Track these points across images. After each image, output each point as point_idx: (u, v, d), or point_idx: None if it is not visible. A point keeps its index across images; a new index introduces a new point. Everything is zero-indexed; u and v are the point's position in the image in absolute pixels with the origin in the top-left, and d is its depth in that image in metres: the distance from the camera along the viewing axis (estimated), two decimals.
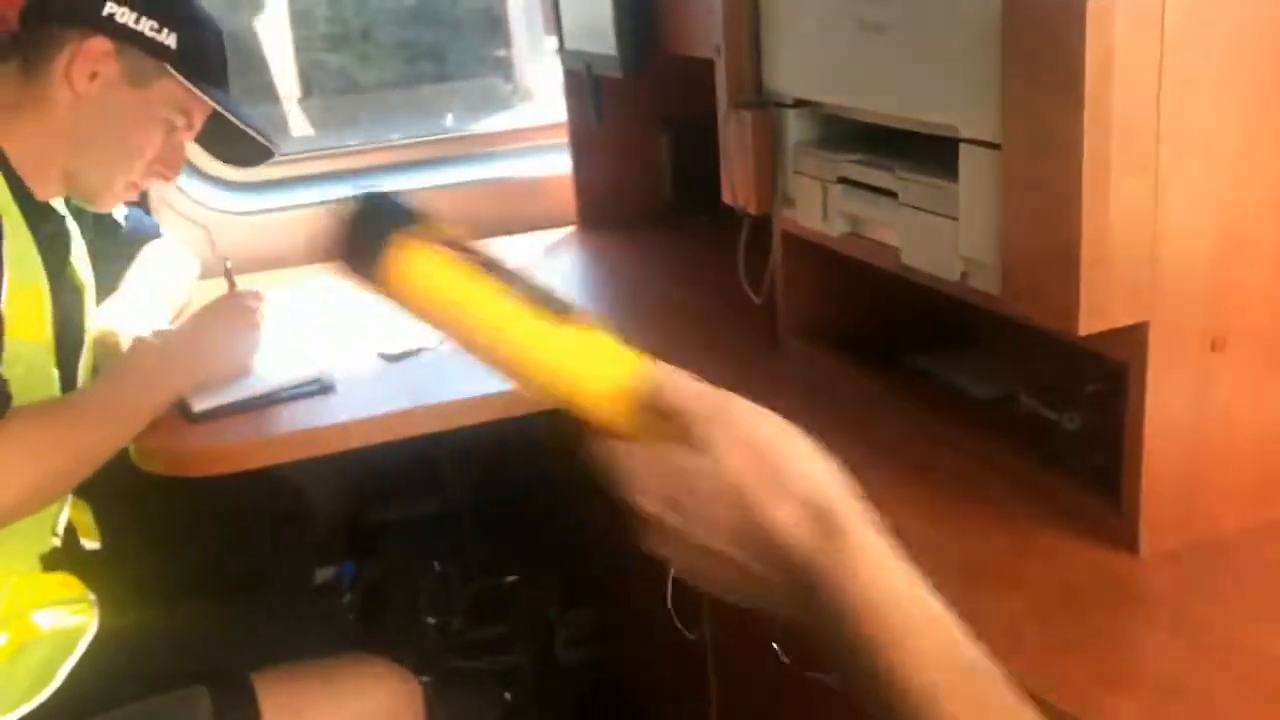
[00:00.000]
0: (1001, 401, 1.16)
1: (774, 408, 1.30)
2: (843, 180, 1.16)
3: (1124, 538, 0.91)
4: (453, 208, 2.09)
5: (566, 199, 2.09)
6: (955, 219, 0.98)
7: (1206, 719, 0.74)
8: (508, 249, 1.95)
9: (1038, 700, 0.75)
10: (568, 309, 0.61)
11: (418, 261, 0.61)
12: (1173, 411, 0.87)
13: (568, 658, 1.97)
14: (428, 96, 2.79)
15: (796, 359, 1.38)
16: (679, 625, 1.36)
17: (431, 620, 1.97)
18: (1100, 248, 0.82)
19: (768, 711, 1.24)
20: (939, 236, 1.00)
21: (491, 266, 0.62)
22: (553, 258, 1.97)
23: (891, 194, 1.07)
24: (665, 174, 2.08)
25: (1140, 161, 0.82)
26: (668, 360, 0.62)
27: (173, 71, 1.27)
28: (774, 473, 0.57)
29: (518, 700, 1.91)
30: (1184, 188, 0.83)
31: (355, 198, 0.64)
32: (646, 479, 0.58)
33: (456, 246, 0.62)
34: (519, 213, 2.10)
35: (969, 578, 0.90)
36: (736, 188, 1.33)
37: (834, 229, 1.19)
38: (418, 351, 1.50)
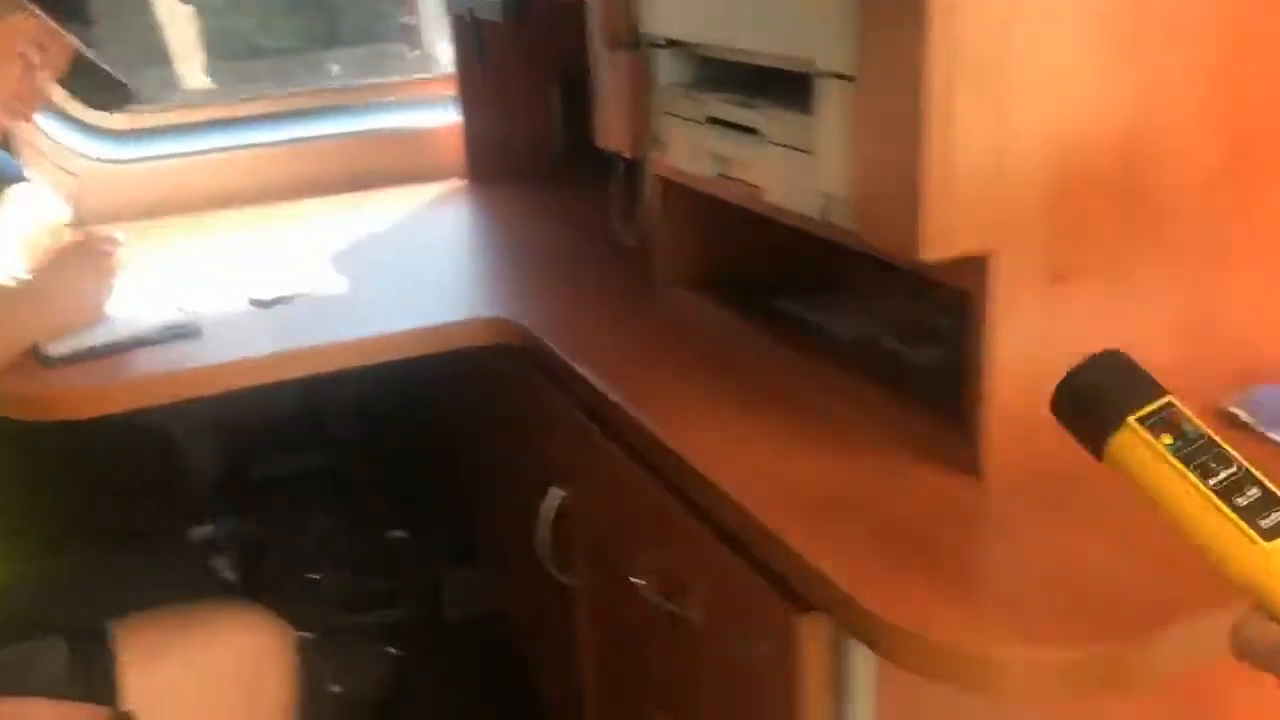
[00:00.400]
0: (866, 341, 1.18)
1: (649, 352, 1.33)
2: (710, 120, 1.16)
3: (969, 467, 0.93)
4: (339, 159, 2.07)
5: (456, 151, 2.07)
6: (814, 154, 0.98)
7: (1030, 624, 0.76)
8: (396, 203, 1.95)
9: (872, 614, 0.77)
10: (1276, 523, 0.60)
11: (1136, 443, 0.63)
12: (1015, 342, 0.89)
13: (456, 614, 1.96)
14: (329, 61, 2.74)
15: (672, 304, 1.38)
16: (553, 570, 1.37)
17: (315, 576, 1.94)
18: (944, 177, 0.83)
19: (635, 650, 1.24)
20: (799, 173, 1.01)
21: (1201, 454, 0.62)
22: (439, 211, 1.95)
23: (756, 132, 1.08)
24: (556, 125, 2.06)
25: (986, 92, 0.83)
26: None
27: (29, 5, 1.23)
28: None
29: (406, 656, 1.90)
30: (1029, 119, 0.85)
31: (1088, 362, 0.67)
32: None
33: (1171, 424, 0.63)
34: (406, 165, 2.07)
35: (820, 505, 0.91)
36: (610, 131, 1.32)
37: (703, 170, 1.19)
38: (291, 298, 1.47)
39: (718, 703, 1.07)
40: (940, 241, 0.84)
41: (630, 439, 1.12)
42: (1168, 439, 0.62)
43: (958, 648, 0.74)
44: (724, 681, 1.03)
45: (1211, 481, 0.61)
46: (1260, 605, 0.60)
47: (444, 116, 2.11)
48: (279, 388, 1.33)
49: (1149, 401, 0.64)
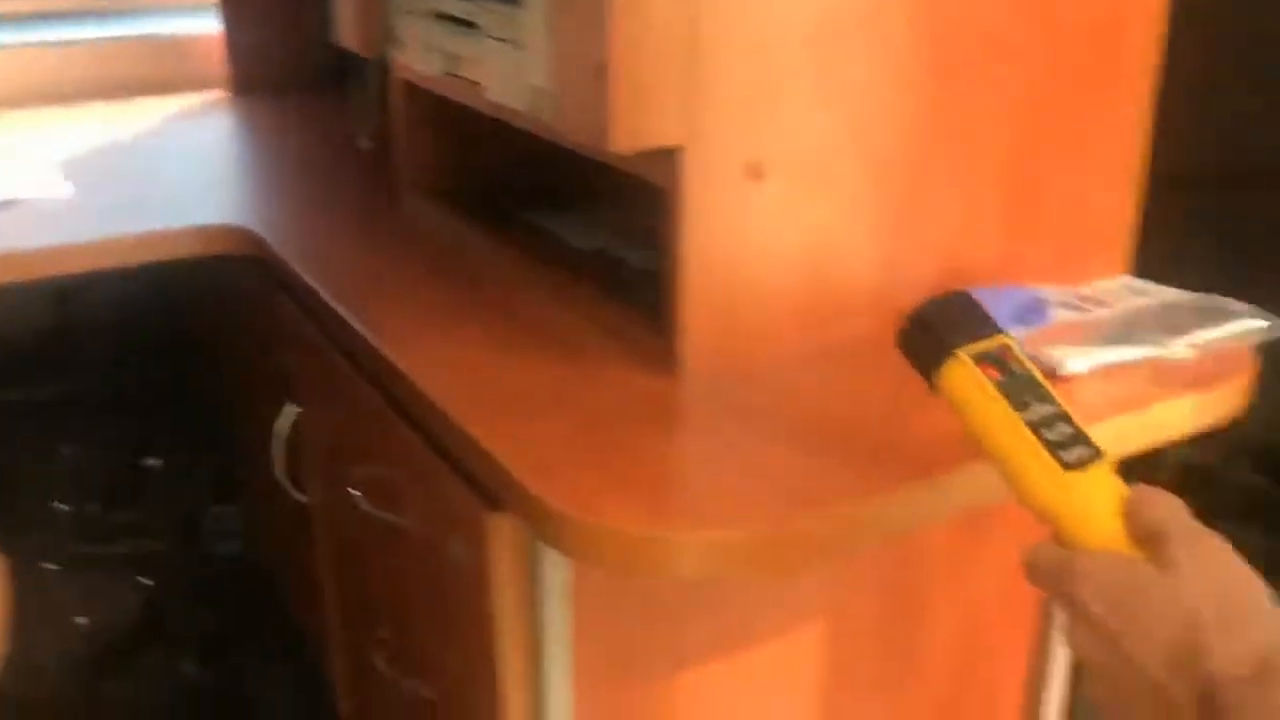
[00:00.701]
0: (598, 250, 1.16)
1: (383, 262, 1.28)
2: (437, 15, 1.11)
3: (668, 365, 0.92)
4: (92, 64, 1.93)
5: (218, 61, 1.96)
6: (523, 47, 0.95)
7: (703, 509, 0.76)
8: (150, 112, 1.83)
9: (543, 504, 0.76)
10: (1078, 457, 0.63)
11: (963, 375, 0.68)
12: (710, 239, 0.89)
13: (216, 546, 1.90)
14: None
15: (413, 213, 1.34)
16: (290, 490, 1.32)
17: (63, 506, 1.84)
18: (633, 66, 0.81)
19: (363, 566, 1.21)
20: (513, 67, 0.98)
21: (1023, 391, 0.66)
22: (192, 122, 1.84)
23: (476, 26, 1.04)
24: (324, 34, 1.96)
25: None
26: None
27: None
28: (1234, 609, 0.55)
29: (159, 588, 1.82)
30: (723, 8, 0.84)
31: (933, 300, 0.71)
32: (1101, 580, 0.58)
33: (1000, 362, 0.67)
34: (164, 74, 1.95)
35: (521, 406, 0.89)
36: (346, 26, 1.26)
37: (433, 68, 1.14)
38: (13, 202, 1.37)
39: (429, 612, 1.05)
40: (629, 133, 0.83)
41: (352, 349, 1.08)
42: (994, 374, 0.67)
43: (625, 532, 0.73)
44: (434, 589, 1.01)
45: (1026, 415, 0.65)
46: (1056, 534, 0.63)
47: (206, 24, 1.99)
48: (23, 307, 1.24)
49: (984, 339, 0.69)
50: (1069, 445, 0.63)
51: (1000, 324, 0.95)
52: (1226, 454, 1.37)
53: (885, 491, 0.77)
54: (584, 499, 0.75)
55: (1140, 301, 1.00)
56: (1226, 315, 0.96)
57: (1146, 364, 0.91)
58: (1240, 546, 1.37)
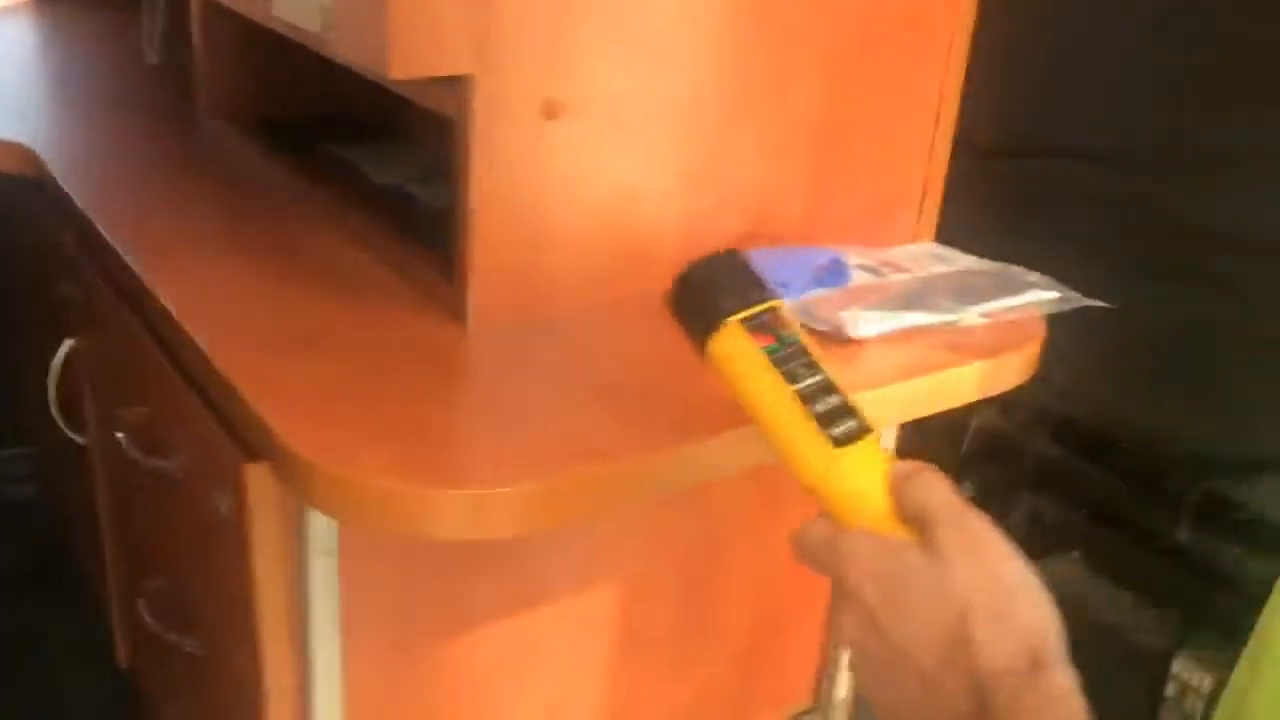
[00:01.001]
0: (396, 187, 1.10)
1: (172, 189, 1.20)
2: None
3: (456, 312, 0.88)
4: None
5: None
6: None
7: (467, 465, 0.72)
8: None
9: (297, 455, 0.71)
10: (846, 431, 0.60)
11: (733, 343, 0.64)
12: (503, 180, 0.84)
13: (5, 487, 1.78)
14: None
15: (210, 138, 1.25)
16: (66, 430, 1.23)
17: None
18: None
19: (136, 511, 1.14)
20: None
21: (793, 360, 0.62)
22: None
23: None
24: None
25: None
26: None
27: None
28: (1004, 598, 0.53)
29: None
30: None
31: (702, 261, 0.67)
32: (869, 564, 0.56)
33: (771, 328, 0.64)
34: None
35: (292, 350, 0.83)
36: None
37: None
38: None
39: (196, 565, 0.99)
40: (410, 58, 0.77)
41: (122, 282, 1.00)
42: (764, 342, 0.63)
43: (380, 487, 0.68)
44: (200, 541, 0.95)
45: (796, 386, 0.61)
46: (823, 509, 0.60)
47: None
48: None
49: (754, 304, 0.65)
50: (838, 419, 0.60)
51: (801, 284, 0.94)
52: (1027, 423, 1.40)
53: (659, 450, 0.74)
54: (341, 450, 0.71)
55: (939, 268, 1.00)
56: (1021, 285, 0.96)
57: (937, 330, 0.91)
58: (1035, 514, 1.41)
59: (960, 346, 0.89)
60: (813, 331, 0.89)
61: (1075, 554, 1.44)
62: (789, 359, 0.62)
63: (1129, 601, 1.37)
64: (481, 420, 0.77)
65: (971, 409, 1.03)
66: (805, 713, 1.26)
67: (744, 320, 0.64)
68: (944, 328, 0.91)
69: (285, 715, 0.89)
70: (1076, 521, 1.43)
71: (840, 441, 0.60)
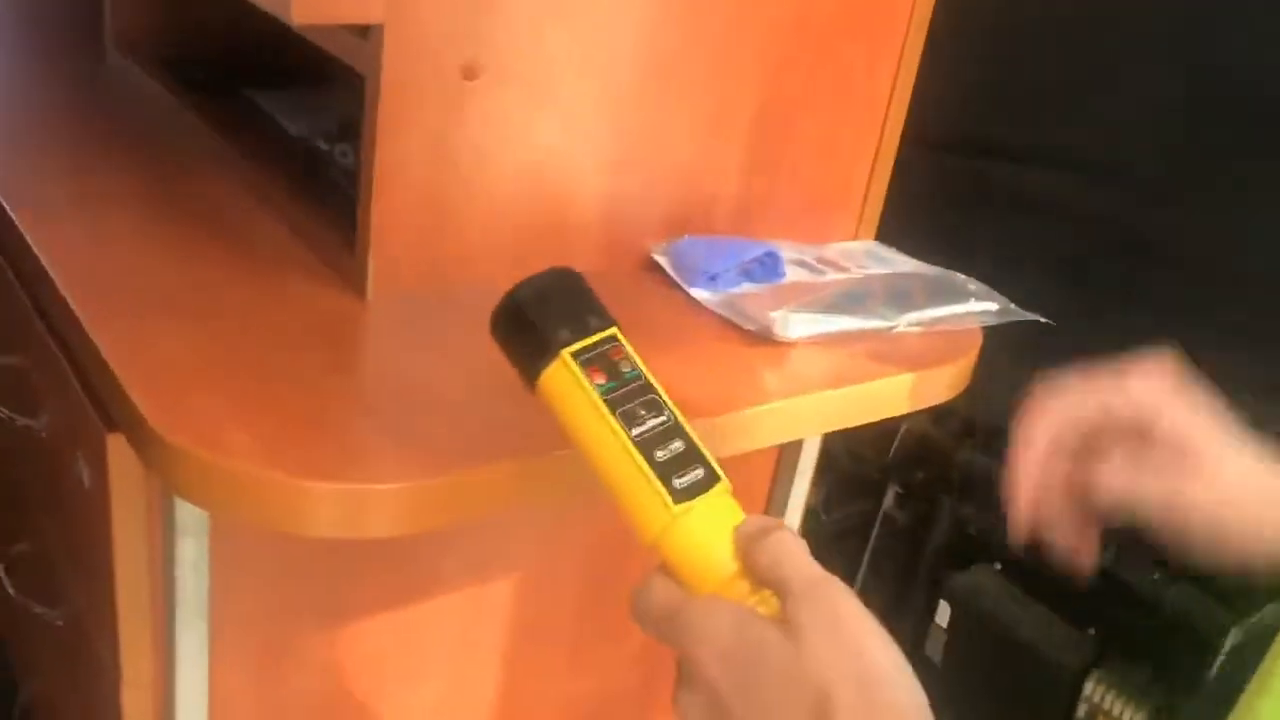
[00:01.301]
0: (309, 141, 1.03)
1: (69, 132, 1.11)
2: None
3: (356, 282, 0.81)
4: None
5: None
6: None
7: (348, 455, 0.65)
8: None
9: (154, 432, 0.64)
10: (692, 482, 0.53)
11: (565, 379, 0.55)
12: (413, 141, 0.77)
13: None
14: None
15: (119, 77, 1.17)
16: None
17: None
18: None
19: (7, 473, 1.06)
20: None
21: (633, 398, 0.55)
22: None
23: None
24: None
25: None
26: None
27: None
28: (869, 684, 0.47)
29: None
30: None
31: (531, 281, 0.58)
32: (718, 641, 0.49)
33: (608, 362, 0.56)
34: None
35: (169, 307, 0.76)
36: None
37: None
38: None
39: (61, 531, 0.92)
40: (317, 2, 0.70)
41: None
42: (600, 378, 0.55)
43: (242, 473, 0.62)
44: (66, 508, 0.88)
45: (636, 431, 0.54)
46: (669, 571, 0.53)
47: None
48: None
49: (591, 332, 0.56)
50: (682, 468, 0.53)
51: (729, 277, 0.89)
52: (957, 431, 1.37)
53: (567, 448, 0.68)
54: (205, 428, 0.64)
55: (877, 270, 0.95)
56: (958, 294, 0.91)
57: (869, 336, 0.86)
58: (959, 523, 1.37)
59: (892, 356, 0.85)
60: (737, 330, 0.84)
61: (997, 566, 1.41)
62: (627, 398, 0.55)
63: (1046, 618, 1.35)
64: (371, 405, 0.71)
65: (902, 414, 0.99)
66: None
67: (576, 352, 0.56)
68: (877, 334, 0.86)
69: (143, 708, 0.82)
70: (999, 534, 1.40)
71: (683, 495, 0.53)
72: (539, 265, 0.87)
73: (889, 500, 1.46)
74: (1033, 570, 1.36)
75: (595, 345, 0.56)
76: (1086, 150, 1.08)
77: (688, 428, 0.55)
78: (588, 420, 0.55)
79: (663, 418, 0.55)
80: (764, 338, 0.83)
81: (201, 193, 0.95)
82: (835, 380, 0.81)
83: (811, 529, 1.34)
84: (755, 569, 0.51)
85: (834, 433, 1.20)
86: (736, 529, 0.53)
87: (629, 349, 0.57)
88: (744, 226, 0.95)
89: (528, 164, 0.83)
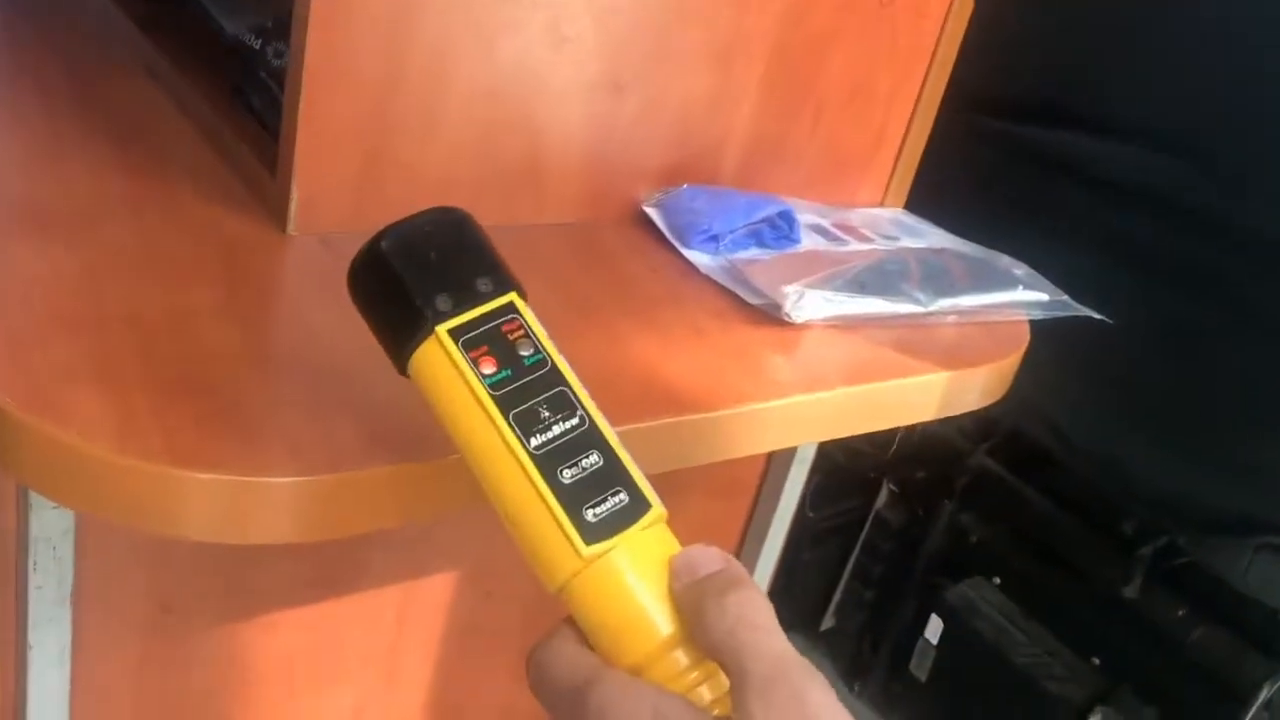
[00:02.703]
0: (240, 39, 0.87)
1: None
2: None
3: (276, 209, 0.65)
4: None
5: None
6: None
7: (231, 431, 0.50)
8: None
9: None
10: (614, 515, 0.39)
11: (440, 364, 0.41)
12: (354, 36, 0.62)
13: None
14: None
15: None
16: None
17: None
18: None
19: None
20: None
21: (533, 393, 0.40)
22: None
23: None
24: None
25: None
26: None
27: None
28: None
29: None
30: None
31: (404, 225, 0.43)
32: None
33: (500, 343, 0.41)
34: None
35: (54, 227, 0.61)
36: None
37: None
38: None
39: None
40: None
41: None
42: (489, 366, 0.40)
43: (83, 452, 0.47)
44: None
45: (535, 441, 0.40)
46: (569, 620, 0.40)
47: None
48: None
49: (480, 301, 0.41)
50: (598, 493, 0.39)
51: (734, 239, 0.74)
52: (968, 431, 1.23)
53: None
54: (48, 387, 0.49)
55: (909, 243, 0.80)
56: (1004, 279, 0.77)
57: (899, 324, 0.71)
58: (957, 530, 1.23)
59: (924, 349, 0.70)
60: (738, 304, 0.70)
61: (996, 580, 1.28)
62: (525, 393, 0.40)
63: (1048, 642, 1.22)
64: (271, 370, 0.56)
65: None
66: None
67: (458, 329, 0.41)
68: (907, 321, 0.72)
69: None
70: (1002, 545, 1.27)
71: (598, 531, 0.39)
72: (501, 209, 0.72)
73: (882, 499, 1.32)
74: (1036, 587, 1.23)
75: (485, 318, 0.41)
76: (1162, 122, 0.94)
77: (609, 435, 0.41)
78: (469, 422, 0.40)
79: (574, 421, 0.40)
80: (770, 316, 0.68)
81: (115, 98, 0.79)
82: (853, 375, 0.67)
83: (793, 526, 1.21)
84: (706, 634, 0.38)
85: None
86: (679, 576, 0.39)
87: (532, 324, 0.42)
88: (753, 179, 0.80)
89: (498, 76, 0.68)
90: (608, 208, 0.76)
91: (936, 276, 0.75)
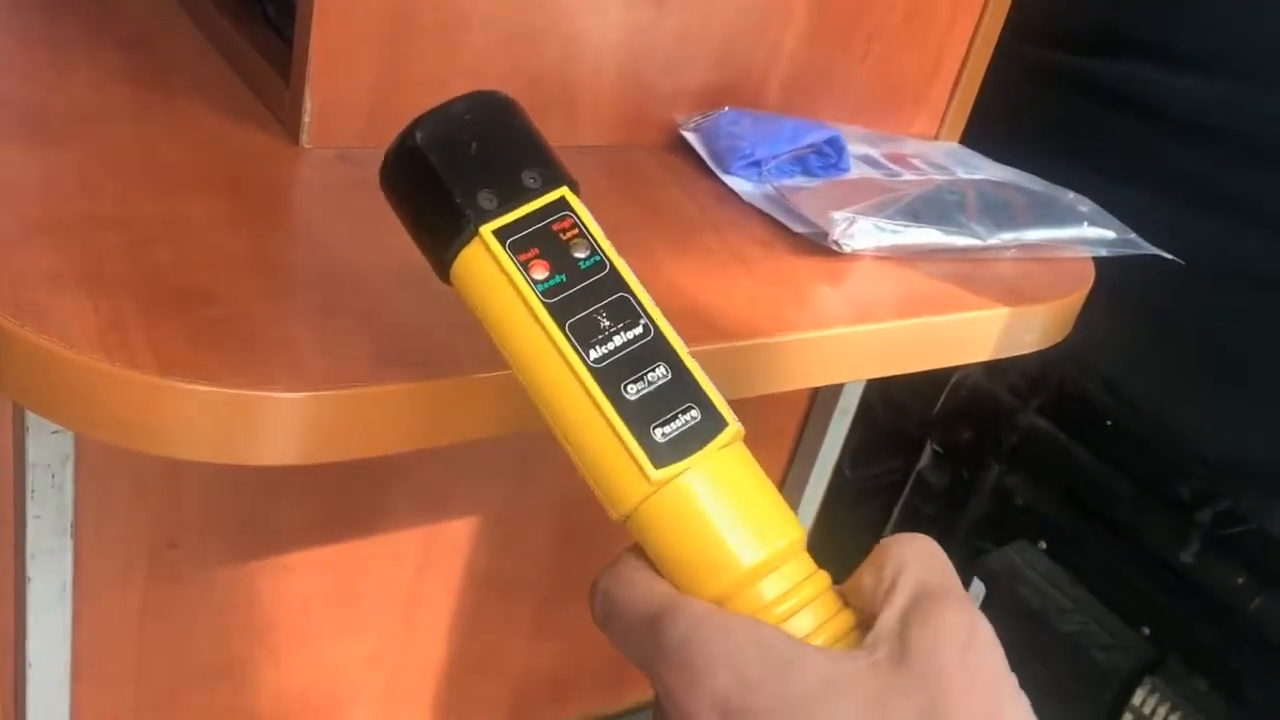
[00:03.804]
0: None
1: None
2: None
3: (289, 121, 0.61)
4: None
5: None
6: None
7: (217, 340, 0.46)
8: None
9: None
10: (684, 433, 0.34)
11: (485, 268, 0.36)
12: None
13: None
14: None
15: None
16: None
17: None
18: None
19: None
20: None
21: (590, 302, 0.35)
22: None
23: None
24: None
25: None
26: None
27: None
28: None
29: None
30: None
31: (442, 112, 0.38)
32: (734, 669, 0.31)
33: (553, 243, 0.36)
34: None
35: (56, 128, 0.57)
36: None
37: None
38: None
39: None
40: None
41: None
42: (541, 270, 0.35)
43: (76, 362, 0.43)
44: None
45: (595, 352, 0.35)
46: (636, 548, 0.36)
47: None
48: None
49: (528, 197, 0.36)
50: (668, 410, 0.35)
51: (777, 165, 0.69)
52: (1017, 386, 1.18)
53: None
54: (31, 293, 0.45)
55: (964, 176, 0.75)
56: (1068, 215, 0.72)
57: (955, 257, 0.66)
58: (1002, 492, 1.18)
59: (983, 284, 0.65)
60: (783, 232, 0.65)
61: (1041, 545, 1.23)
62: (582, 299, 0.35)
63: (1096, 610, 1.17)
64: (280, 281, 0.51)
65: None
66: None
67: (504, 229, 0.36)
68: (963, 255, 0.66)
69: None
70: (1049, 508, 1.21)
71: (669, 452, 0.34)
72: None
73: (925, 459, 1.27)
74: (1085, 551, 1.18)
75: (534, 217, 0.36)
76: (1233, 52, 0.87)
77: (677, 345, 0.36)
78: (520, 334, 0.36)
79: (637, 330, 0.36)
80: (818, 245, 0.64)
81: (123, 3, 0.75)
82: (906, 308, 0.62)
83: (831, 485, 1.16)
84: (874, 576, 0.34)
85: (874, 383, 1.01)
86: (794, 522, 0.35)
87: (587, 222, 0.37)
88: (799, 104, 0.74)
89: (524, 3, 0.63)
90: (644, 131, 0.71)
91: (996, 209, 0.69)
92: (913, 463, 1.27)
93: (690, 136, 0.71)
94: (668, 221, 0.64)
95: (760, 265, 0.61)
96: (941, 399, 1.24)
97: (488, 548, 0.84)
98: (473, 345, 0.47)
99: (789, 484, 0.97)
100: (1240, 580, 1.02)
